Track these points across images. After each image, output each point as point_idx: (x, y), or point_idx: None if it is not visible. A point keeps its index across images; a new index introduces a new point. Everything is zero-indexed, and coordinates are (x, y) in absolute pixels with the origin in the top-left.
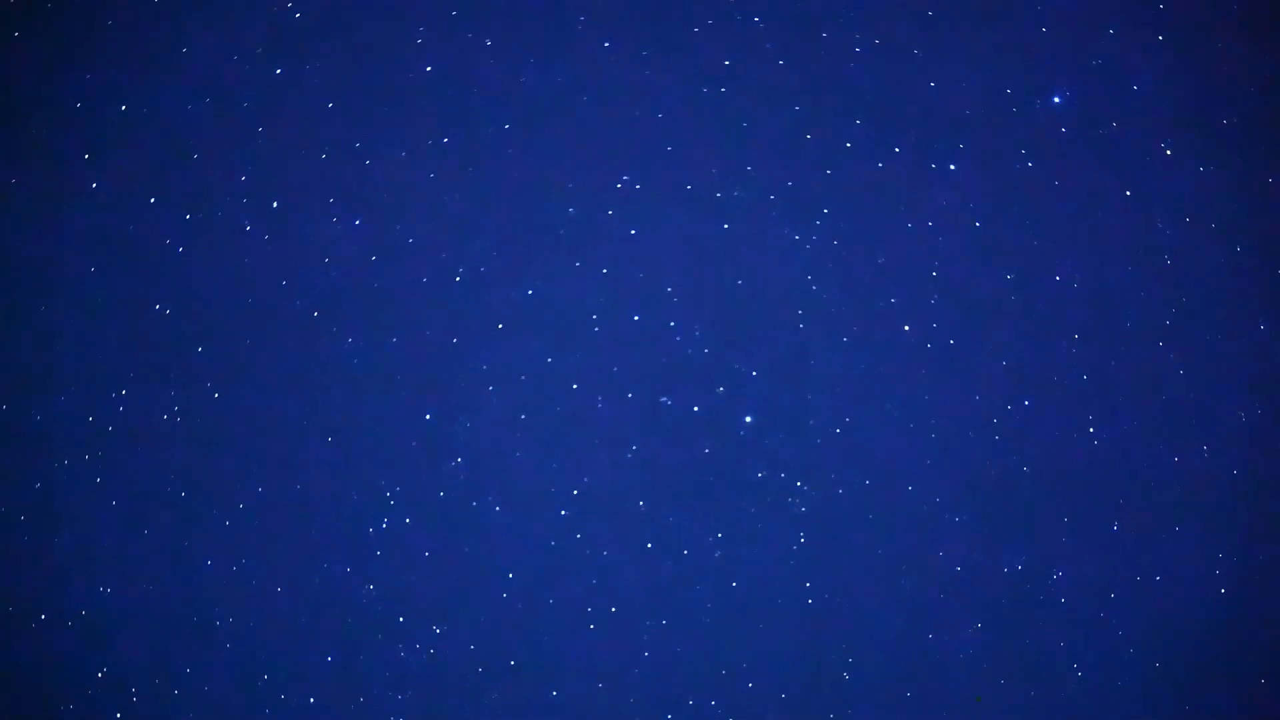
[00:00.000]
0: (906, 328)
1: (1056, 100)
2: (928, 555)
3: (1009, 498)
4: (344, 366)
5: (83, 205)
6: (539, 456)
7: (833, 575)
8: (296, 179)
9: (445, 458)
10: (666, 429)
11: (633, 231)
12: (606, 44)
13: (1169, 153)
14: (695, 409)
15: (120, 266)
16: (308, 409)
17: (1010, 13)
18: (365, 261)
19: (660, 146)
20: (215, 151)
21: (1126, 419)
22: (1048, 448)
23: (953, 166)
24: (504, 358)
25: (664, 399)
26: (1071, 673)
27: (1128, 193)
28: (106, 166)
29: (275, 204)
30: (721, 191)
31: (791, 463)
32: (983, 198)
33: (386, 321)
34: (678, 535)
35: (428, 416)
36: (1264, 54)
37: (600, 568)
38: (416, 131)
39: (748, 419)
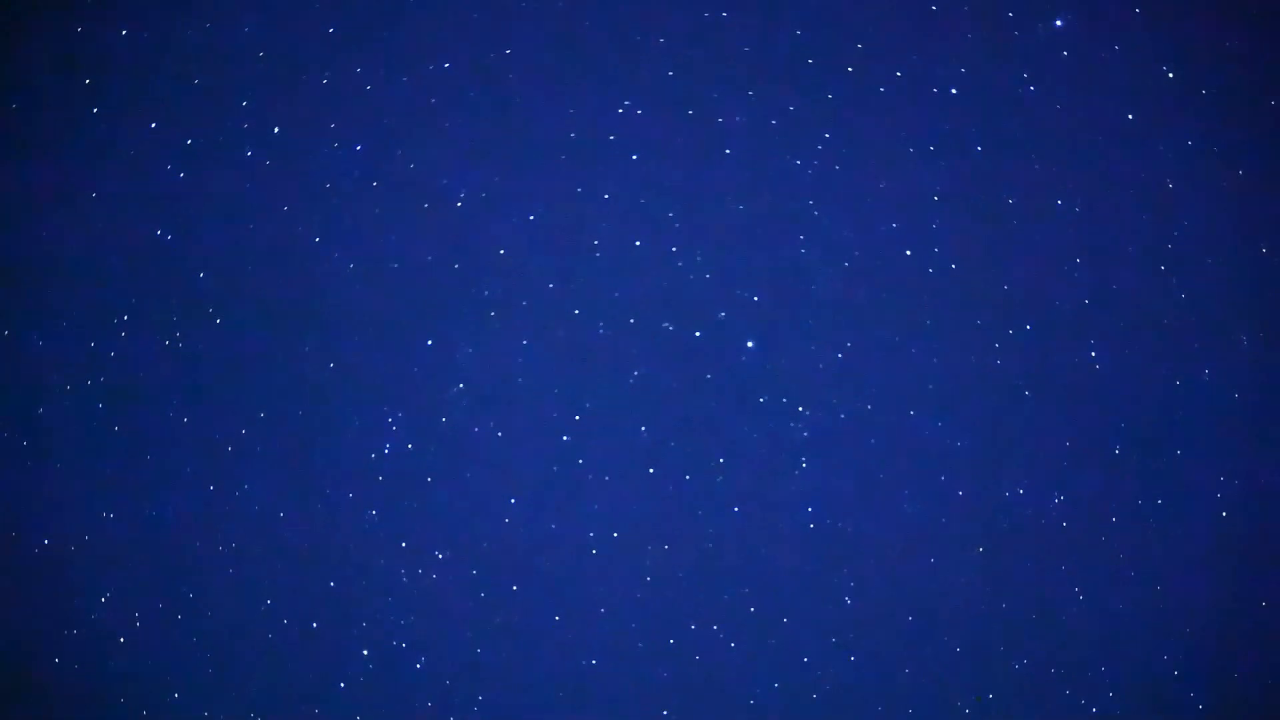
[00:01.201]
0: (908, 252)
1: (1058, 24)
2: (929, 480)
3: (1010, 422)
4: (345, 292)
5: (83, 131)
6: (541, 382)
7: (834, 500)
8: (298, 104)
9: (447, 383)
10: (668, 354)
11: (634, 156)
12: None
13: (1171, 75)
14: (697, 334)
15: (120, 192)
16: (309, 334)
17: None
18: (367, 187)
19: (662, 71)
20: (216, 76)
21: (1128, 343)
22: (1049, 372)
23: (954, 90)
24: (506, 283)
25: (666, 324)
26: (1073, 597)
27: (1130, 116)
28: (106, 91)
29: (276, 129)
30: (723, 116)
31: (793, 388)
32: (984, 122)
33: (388, 246)
34: (679, 460)
35: (429, 342)
36: None
37: (602, 493)
38: (418, 56)
39: (749, 344)
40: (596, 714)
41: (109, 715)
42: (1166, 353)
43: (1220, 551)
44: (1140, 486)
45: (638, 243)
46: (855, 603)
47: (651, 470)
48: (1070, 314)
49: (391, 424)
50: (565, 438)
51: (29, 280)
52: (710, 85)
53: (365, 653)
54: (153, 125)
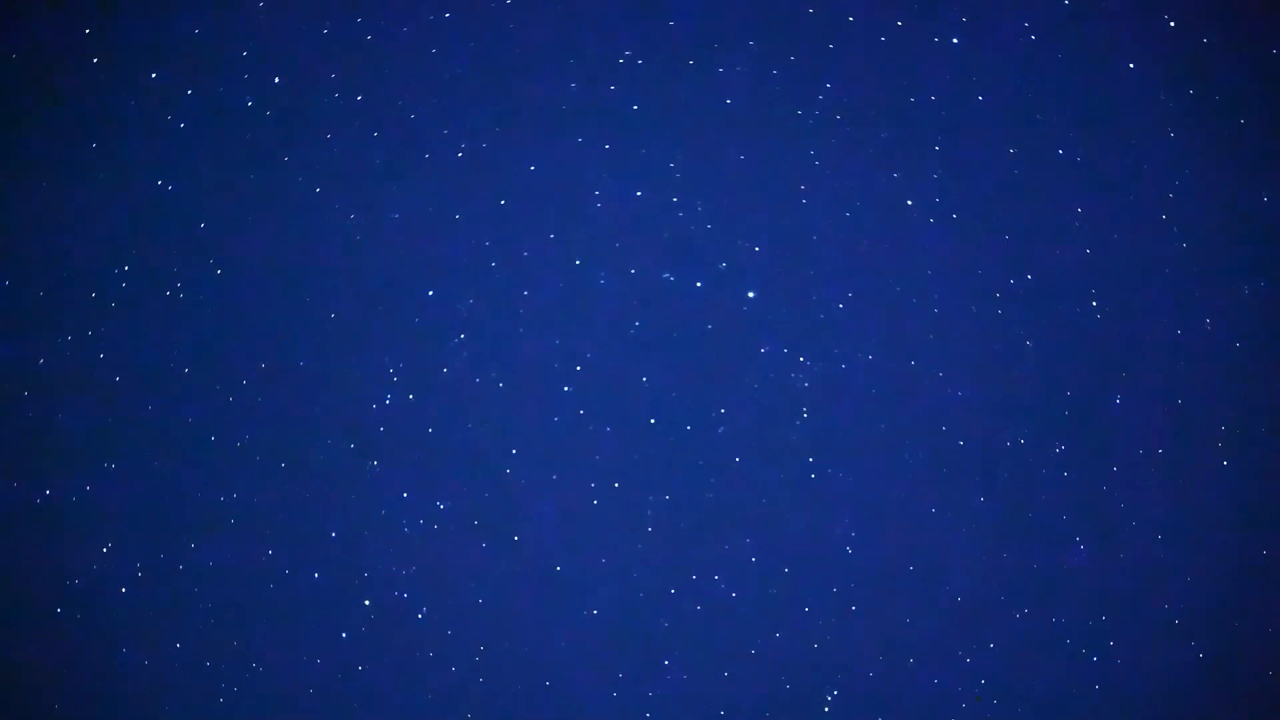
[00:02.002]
0: (909, 202)
1: None
2: (930, 429)
3: (1012, 372)
4: (346, 242)
5: (82, 81)
6: (542, 333)
7: (835, 450)
8: (297, 53)
9: (448, 334)
10: (669, 305)
11: (635, 107)
12: None
13: (1172, 24)
14: (698, 284)
15: (120, 141)
16: (310, 285)
17: None
18: (367, 137)
19: (663, 20)
20: (216, 27)
21: (1129, 293)
22: (1051, 322)
23: (955, 40)
24: (506, 234)
25: (666, 275)
26: (1073, 545)
27: (1131, 65)
28: (104, 43)
29: (276, 79)
30: (724, 66)
31: (794, 338)
32: (985, 71)
33: (388, 197)
34: (680, 411)
35: (430, 293)
36: None
37: (603, 443)
38: (418, 4)
39: (750, 294)
40: (597, 663)
41: (111, 665)
42: (1168, 302)
43: (1222, 500)
44: (1142, 436)
45: (639, 193)
46: (856, 553)
47: (653, 420)
48: (1072, 263)
49: (393, 374)
50: (566, 388)
51: (29, 230)
52: (711, 34)
53: (367, 603)
54: (153, 75)
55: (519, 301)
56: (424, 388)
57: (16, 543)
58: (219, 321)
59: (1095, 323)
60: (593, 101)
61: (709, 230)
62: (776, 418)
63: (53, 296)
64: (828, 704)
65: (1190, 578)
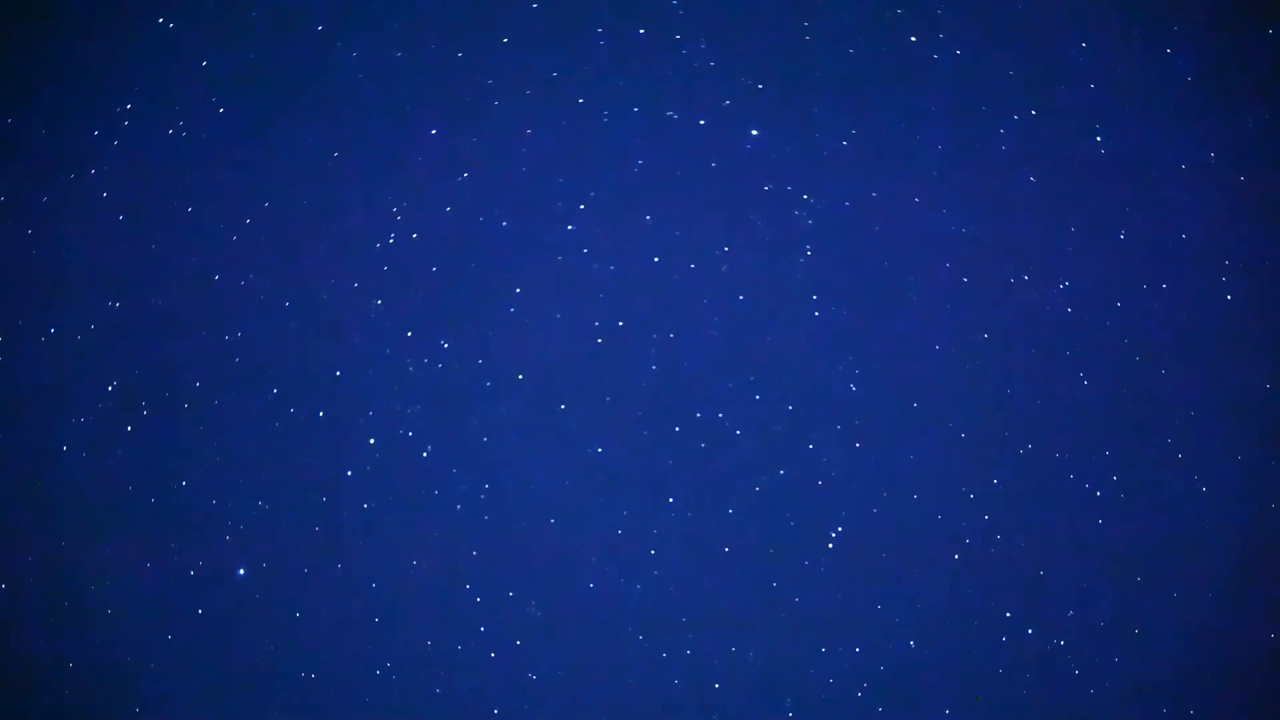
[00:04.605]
0: (913, 39)
1: None
2: (933, 266)
3: (1015, 208)
4: (350, 82)
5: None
6: (544, 171)
7: (838, 288)
8: None
9: (451, 173)
10: (672, 143)
11: None
12: None
13: None
14: (701, 123)
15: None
16: (312, 124)
17: None
18: None
19: None
20: None
21: (1133, 127)
22: (1053, 154)
23: None
24: (510, 73)
25: (669, 113)
26: (1077, 382)
27: None
28: None
29: None
30: None
31: (797, 175)
32: None
33: (393, 38)
34: (684, 249)
35: (433, 132)
36: None
37: (606, 282)
38: None
39: (754, 132)
40: (602, 499)
41: (114, 507)
42: (1172, 137)
43: (1229, 332)
44: (1145, 270)
45: (641, 30)
46: (859, 389)
47: (656, 259)
48: (1076, 99)
49: (396, 214)
50: (570, 226)
51: (29, 73)
52: None
53: (371, 441)
54: None
55: (522, 139)
56: (428, 226)
57: (18, 385)
58: (222, 161)
59: (1099, 158)
60: None
61: (712, 67)
62: (779, 255)
63: (54, 136)
64: (831, 540)
65: (1194, 412)
